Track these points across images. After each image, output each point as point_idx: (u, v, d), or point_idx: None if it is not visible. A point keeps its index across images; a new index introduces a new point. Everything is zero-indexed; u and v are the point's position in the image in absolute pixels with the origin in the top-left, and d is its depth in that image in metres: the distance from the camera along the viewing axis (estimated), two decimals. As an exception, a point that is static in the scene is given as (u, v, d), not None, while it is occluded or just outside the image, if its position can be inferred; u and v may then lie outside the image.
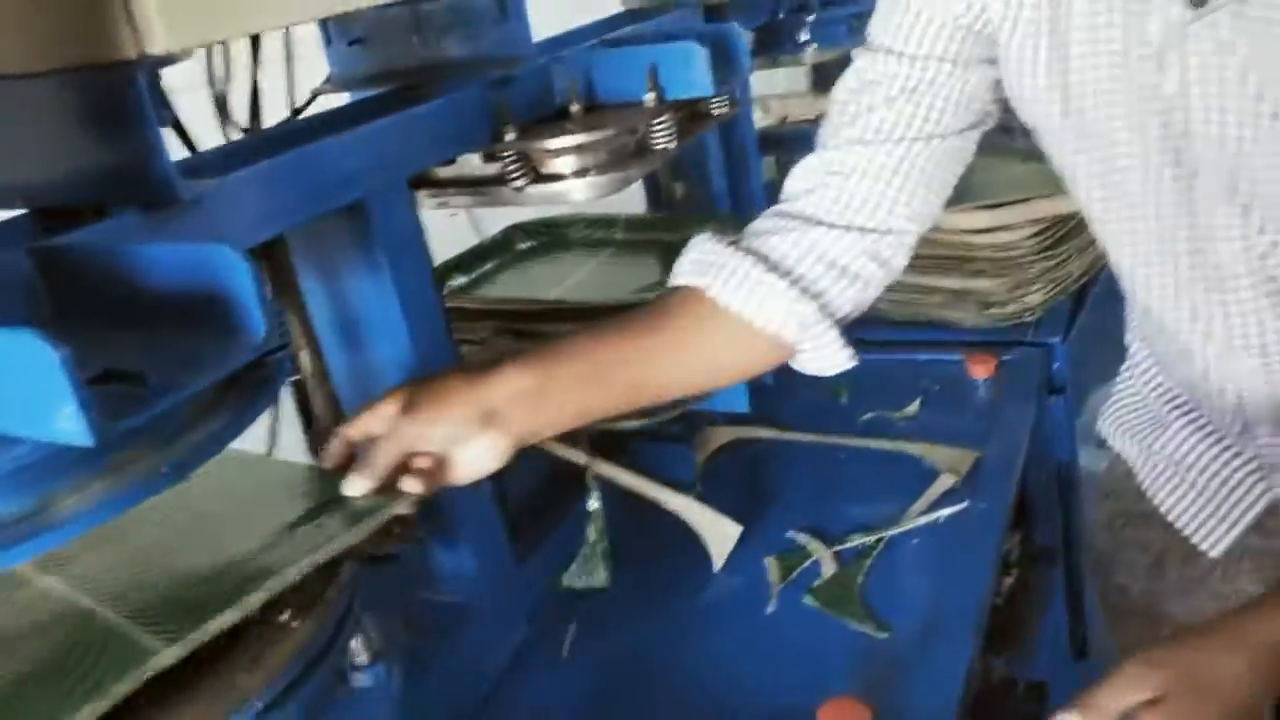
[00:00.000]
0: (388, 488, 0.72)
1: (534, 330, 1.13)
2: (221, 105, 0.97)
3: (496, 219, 1.46)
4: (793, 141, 1.92)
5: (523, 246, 1.43)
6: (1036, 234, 1.46)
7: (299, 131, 0.91)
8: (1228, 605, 0.94)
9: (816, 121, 1.94)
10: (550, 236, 1.43)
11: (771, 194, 1.81)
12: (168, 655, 0.55)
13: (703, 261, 0.87)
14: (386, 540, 0.77)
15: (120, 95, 0.62)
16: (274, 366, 0.63)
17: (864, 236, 0.85)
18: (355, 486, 0.71)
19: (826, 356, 0.89)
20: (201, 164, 0.82)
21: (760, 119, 2.17)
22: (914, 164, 0.84)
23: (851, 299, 0.88)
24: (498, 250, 1.40)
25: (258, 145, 0.85)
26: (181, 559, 0.64)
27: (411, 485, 0.71)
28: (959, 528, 1.06)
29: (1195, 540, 0.96)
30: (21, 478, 0.49)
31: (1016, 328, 1.47)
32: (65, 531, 0.49)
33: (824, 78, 2.39)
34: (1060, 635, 1.55)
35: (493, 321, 1.15)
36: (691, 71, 1.08)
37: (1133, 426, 1.03)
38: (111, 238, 0.61)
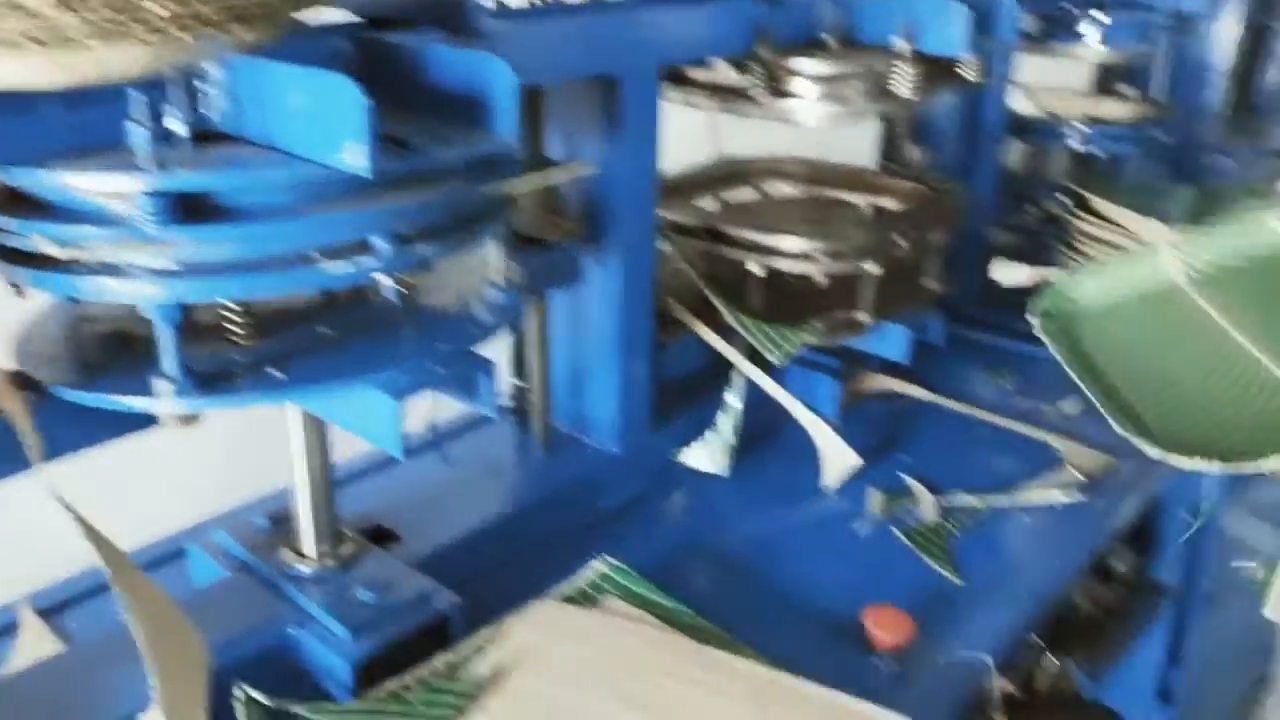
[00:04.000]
0: None
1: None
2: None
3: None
4: (1049, 136, 1.90)
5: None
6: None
7: (582, 5, 1.05)
8: None
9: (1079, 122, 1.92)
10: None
11: (1013, 181, 1.83)
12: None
13: None
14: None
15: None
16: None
17: None
18: None
19: None
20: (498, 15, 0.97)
21: (1025, 107, 2.15)
22: None
23: None
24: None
25: (547, 10, 0.99)
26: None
27: None
28: (1067, 518, 1.11)
29: None
30: (304, 189, 0.66)
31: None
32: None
33: (1111, 80, 2.31)
34: (1151, 674, 1.55)
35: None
36: (950, 28, 1.13)
37: None
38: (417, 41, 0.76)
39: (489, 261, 0.80)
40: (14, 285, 0.70)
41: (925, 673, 0.89)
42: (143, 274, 0.62)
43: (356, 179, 0.63)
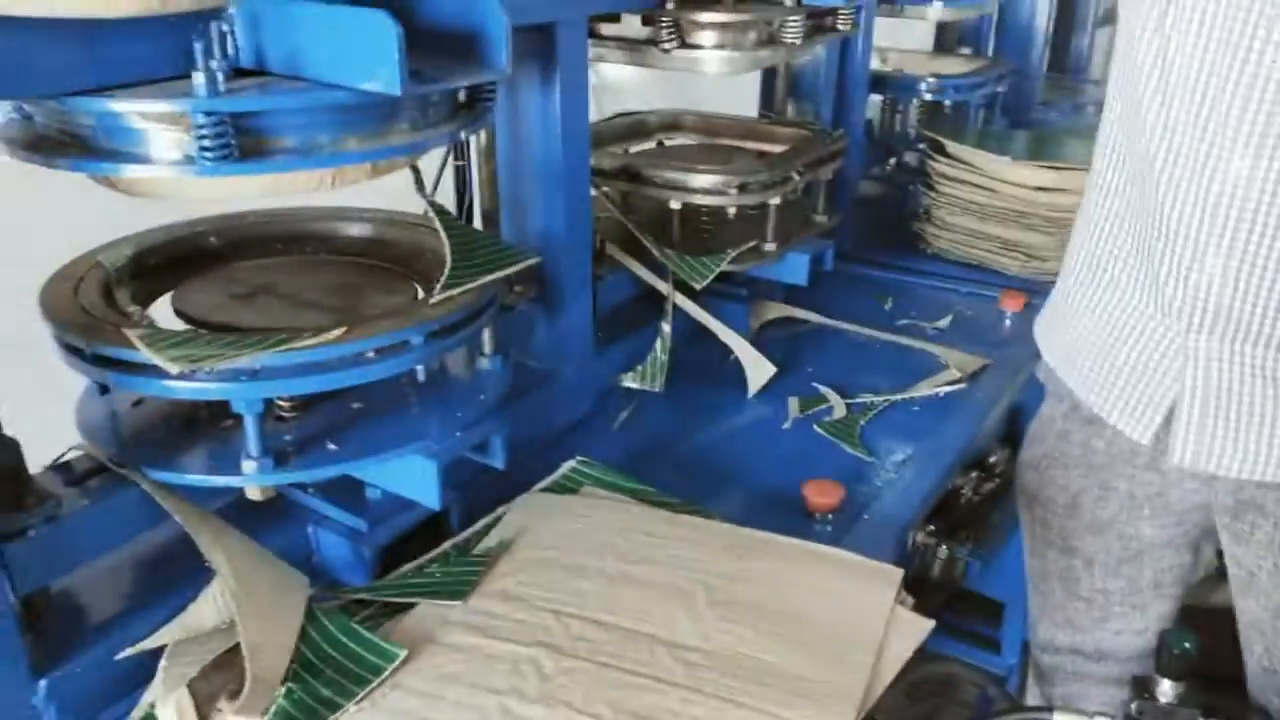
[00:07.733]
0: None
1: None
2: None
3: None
4: (902, 88, 2.12)
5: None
6: (1091, 207, 1.65)
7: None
8: (1131, 547, 1.14)
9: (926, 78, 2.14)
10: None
11: (870, 129, 2.03)
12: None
13: None
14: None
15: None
16: (489, 103, 0.88)
17: None
18: None
19: None
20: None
21: (879, 66, 2.37)
22: None
23: None
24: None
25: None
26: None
27: None
28: (951, 406, 1.29)
29: (1124, 427, 1.03)
30: (336, 114, 0.74)
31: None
32: (350, 158, 0.75)
33: (945, 40, 2.57)
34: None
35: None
36: (829, -18, 1.29)
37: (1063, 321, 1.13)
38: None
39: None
40: (101, 385, 0.83)
41: (855, 530, 1.05)
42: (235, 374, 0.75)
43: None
